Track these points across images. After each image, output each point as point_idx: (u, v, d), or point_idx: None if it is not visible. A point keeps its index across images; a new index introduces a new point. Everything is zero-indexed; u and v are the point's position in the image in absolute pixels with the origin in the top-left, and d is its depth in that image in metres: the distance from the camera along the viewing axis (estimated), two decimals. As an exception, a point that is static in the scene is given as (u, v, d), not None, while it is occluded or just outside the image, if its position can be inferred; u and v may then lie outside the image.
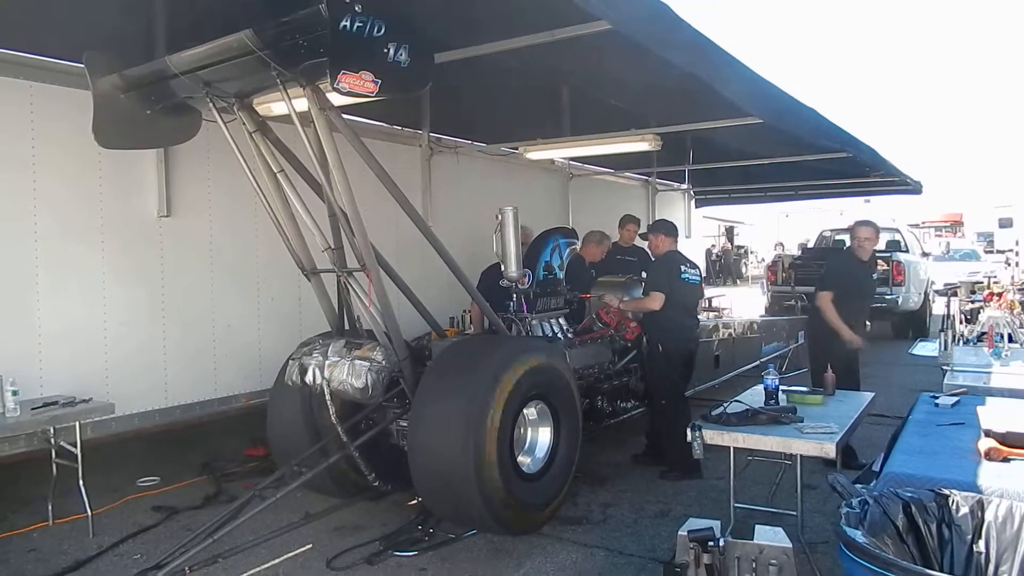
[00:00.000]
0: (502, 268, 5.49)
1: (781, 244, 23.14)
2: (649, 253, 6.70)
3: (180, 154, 6.01)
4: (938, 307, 11.93)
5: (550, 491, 4.72)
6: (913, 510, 2.56)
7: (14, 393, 4.55)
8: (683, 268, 5.87)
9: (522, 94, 8.00)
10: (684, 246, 6.90)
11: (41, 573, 4.19)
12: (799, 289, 12.23)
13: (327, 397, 4.64)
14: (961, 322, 7.08)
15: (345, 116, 4.55)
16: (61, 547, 4.52)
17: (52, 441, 4.67)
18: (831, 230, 15.73)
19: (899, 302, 12.22)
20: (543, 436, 4.86)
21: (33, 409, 4.65)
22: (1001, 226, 31.05)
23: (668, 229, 6.13)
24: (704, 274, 6.16)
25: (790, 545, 3.17)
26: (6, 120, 5.21)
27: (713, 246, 27.33)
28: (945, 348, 6.05)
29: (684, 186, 14.39)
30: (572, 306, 6.37)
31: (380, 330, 4.71)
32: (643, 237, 7.34)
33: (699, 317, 6.26)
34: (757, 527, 3.36)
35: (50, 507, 4.80)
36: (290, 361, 4.91)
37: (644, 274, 6.62)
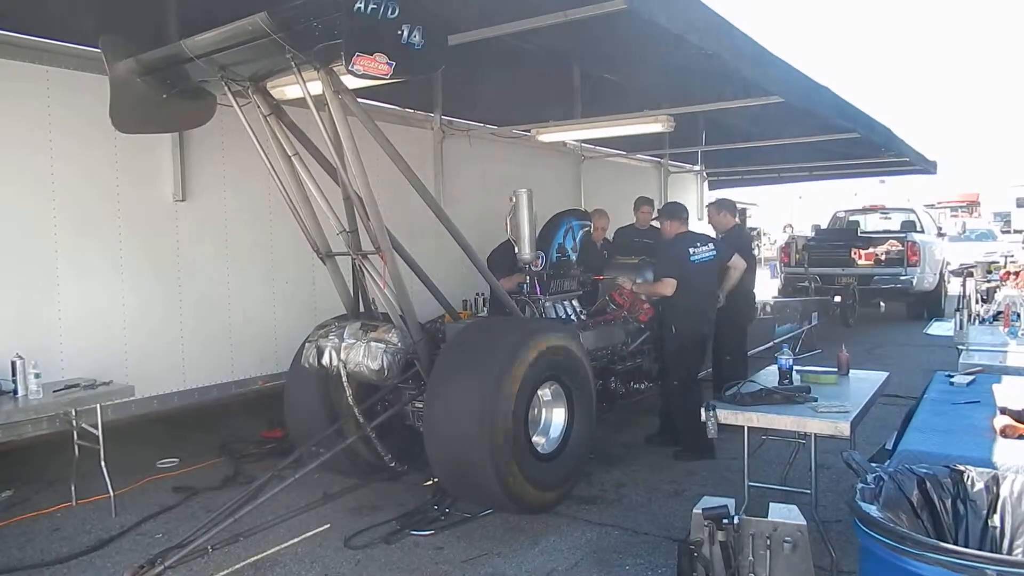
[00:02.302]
0: (516, 251, 5.50)
1: (790, 226, 22.97)
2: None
3: (195, 138, 6.02)
4: (953, 287, 11.85)
5: (564, 471, 4.75)
6: (928, 486, 2.56)
7: (36, 376, 4.61)
8: (692, 250, 5.77)
9: (534, 76, 7.96)
10: (695, 227, 6.87)
11: (66, 551, 4.27)
12: (812, 270, 12.20)
13: (344, 379, 4.68)
14: (977, 302, 7.04)
15: (358, 99, 4.55)
16: (84, 527, 4.62)
17: (74, 423, 4.75)
18: (845, 211, 15.56)
19: (914, 282, 12.14)
20: (557, 417, 4.89)
21: (55, 392, 4.71)
22: (1019, 205, 30.84)
23: (672, 213, 6.10)
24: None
25: (804, 523, 3.19)
26: (23, 106, 5.23)
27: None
28: (961, 328, 6.00)
29: (697, 167, 14.31)
30: (585, 288, 6.38)
31: (395, 312, 4.74)
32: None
33: (716, 295, 6.12)
34: (771, 505, 3.38)
35: (73, 488, 4.89)
36: (306, 344, 4.95)
37: None
